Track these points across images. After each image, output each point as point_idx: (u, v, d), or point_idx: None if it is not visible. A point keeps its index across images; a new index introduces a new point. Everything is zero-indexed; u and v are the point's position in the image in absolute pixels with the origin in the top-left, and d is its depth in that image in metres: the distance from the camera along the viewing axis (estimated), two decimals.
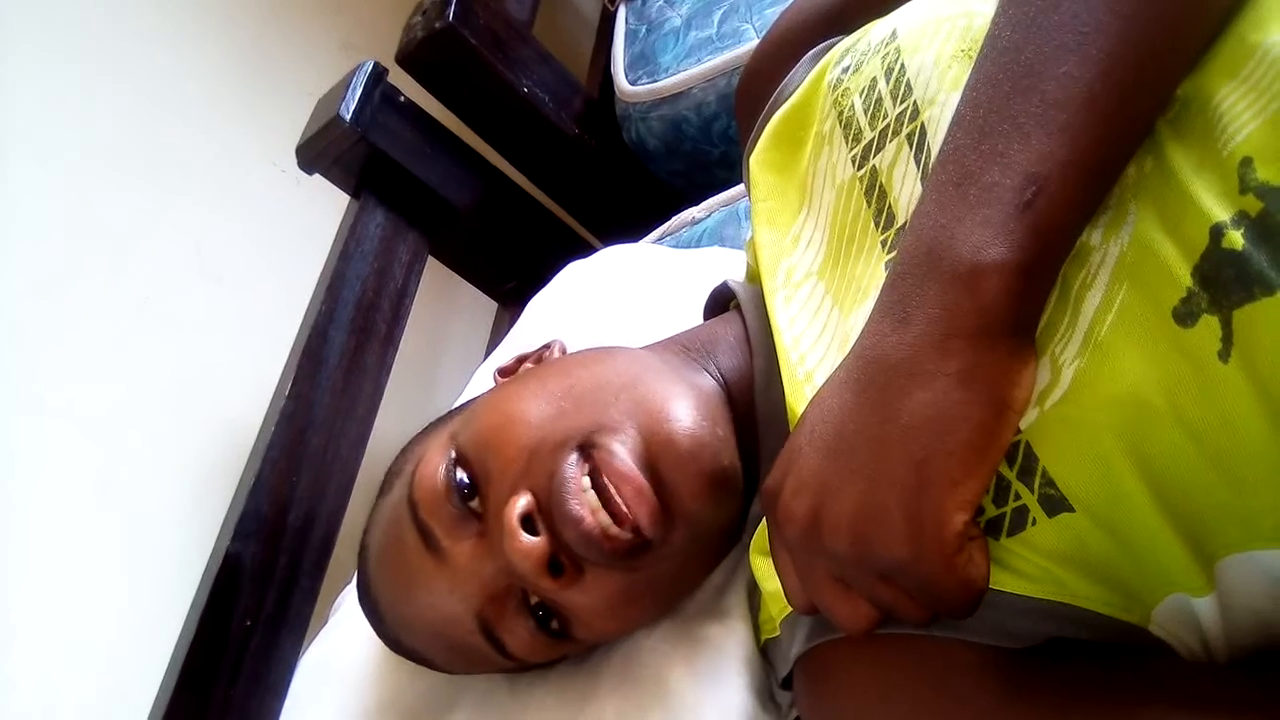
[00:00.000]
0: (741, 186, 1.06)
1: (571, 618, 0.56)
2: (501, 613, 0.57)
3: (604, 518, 0.52)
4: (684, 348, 0.64)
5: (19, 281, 0.93)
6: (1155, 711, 0.40)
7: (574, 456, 0.53)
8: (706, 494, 0.54)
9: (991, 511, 0.42)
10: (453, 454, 0.57)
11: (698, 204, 1.11)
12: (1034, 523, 0.41)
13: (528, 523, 0.53)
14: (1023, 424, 0.41)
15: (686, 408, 0.55)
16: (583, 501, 0.52)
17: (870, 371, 0.40)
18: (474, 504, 0.56)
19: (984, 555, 0.40)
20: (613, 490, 0.51)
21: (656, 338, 0.68)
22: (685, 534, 0.54)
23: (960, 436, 0.37)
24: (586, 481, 0.52)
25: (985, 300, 0.37)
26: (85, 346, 0.97)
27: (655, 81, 1.24)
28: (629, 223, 1.23)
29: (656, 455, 0.53)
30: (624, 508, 0.51)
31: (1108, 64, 0.37)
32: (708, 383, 0.60)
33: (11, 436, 0.87)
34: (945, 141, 0.41)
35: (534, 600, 0.56)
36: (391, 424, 0.99)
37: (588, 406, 0.55)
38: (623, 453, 0.52)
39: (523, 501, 0.53)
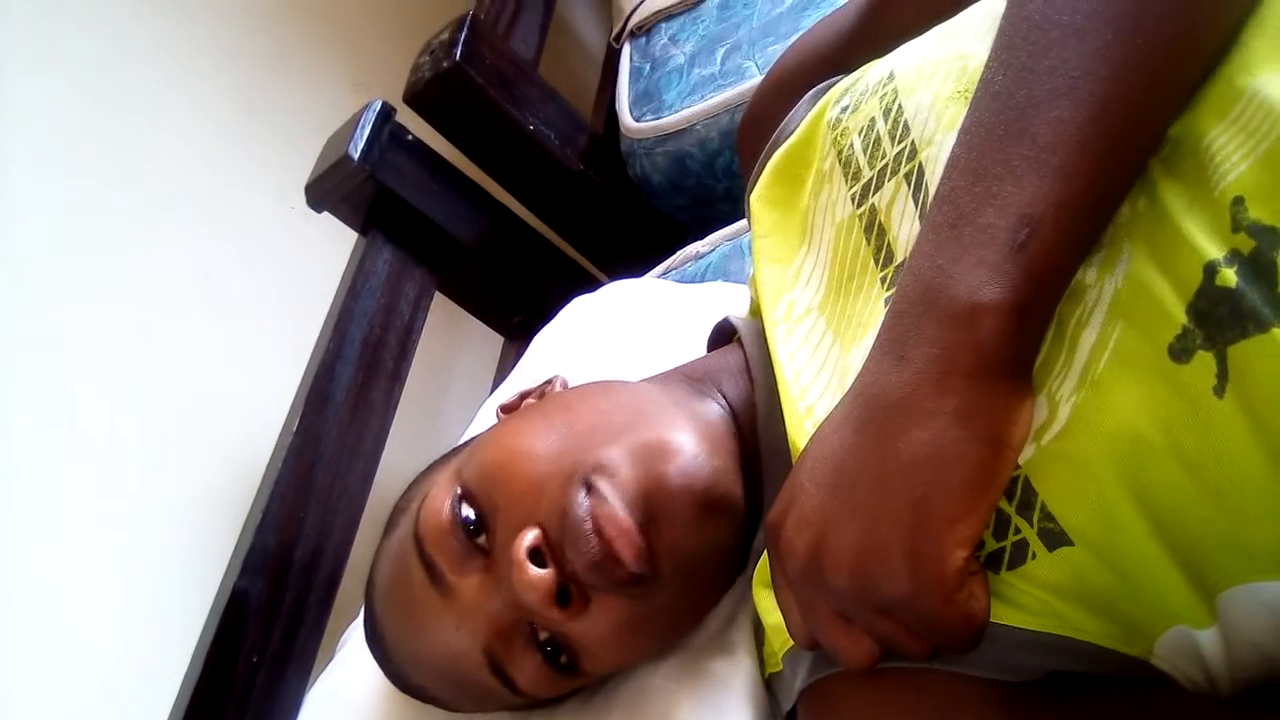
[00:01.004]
0: (745, 221, 1.07)
1: (579, 649, 0.56)
2: (510, 648, 0.56)
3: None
4: (688, 378, 0.65)
5: (28, 313, 0.94)
6: None
7: (583, 491, 0.53)
8: (701, 525, 0.54)
9: (992, 545, 0.42)
10: (458, 490, 0.57)
11: (701, 238, 1.12)
12: (1034, 556, 0.41)
13: (535, 555, 0.53)
14: (1021, 459, 0.41)
15: (683, 440, 0.55)
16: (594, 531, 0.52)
17: (870, 409, 0.41)
18: (480, 539, 0.56)
19: (984, 590, 0.40)
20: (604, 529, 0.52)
21: (661, 371, 0.68)
22: (680, 563, 0.54)
23: (959, 474, 0.38)
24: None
25: (982, 339, 0.38)
26: (92, 379, 0.97)
27: (659, 118, 1.26)
28: (634, 257, 1.24)
29: (652, 488, 0.53)
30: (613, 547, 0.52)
31: (1098, 108, 0.38)
32: (714, 411, 0.61)
33: (17, 468, 0.88)
34: (941, 182, 0.42)
35: (543, 636, 0.56)
36: (398, 459, 0.99)
37: (588, 440, 0.56)
38: (611, 494, 0.53)
39: (531, 535, 0.53)
